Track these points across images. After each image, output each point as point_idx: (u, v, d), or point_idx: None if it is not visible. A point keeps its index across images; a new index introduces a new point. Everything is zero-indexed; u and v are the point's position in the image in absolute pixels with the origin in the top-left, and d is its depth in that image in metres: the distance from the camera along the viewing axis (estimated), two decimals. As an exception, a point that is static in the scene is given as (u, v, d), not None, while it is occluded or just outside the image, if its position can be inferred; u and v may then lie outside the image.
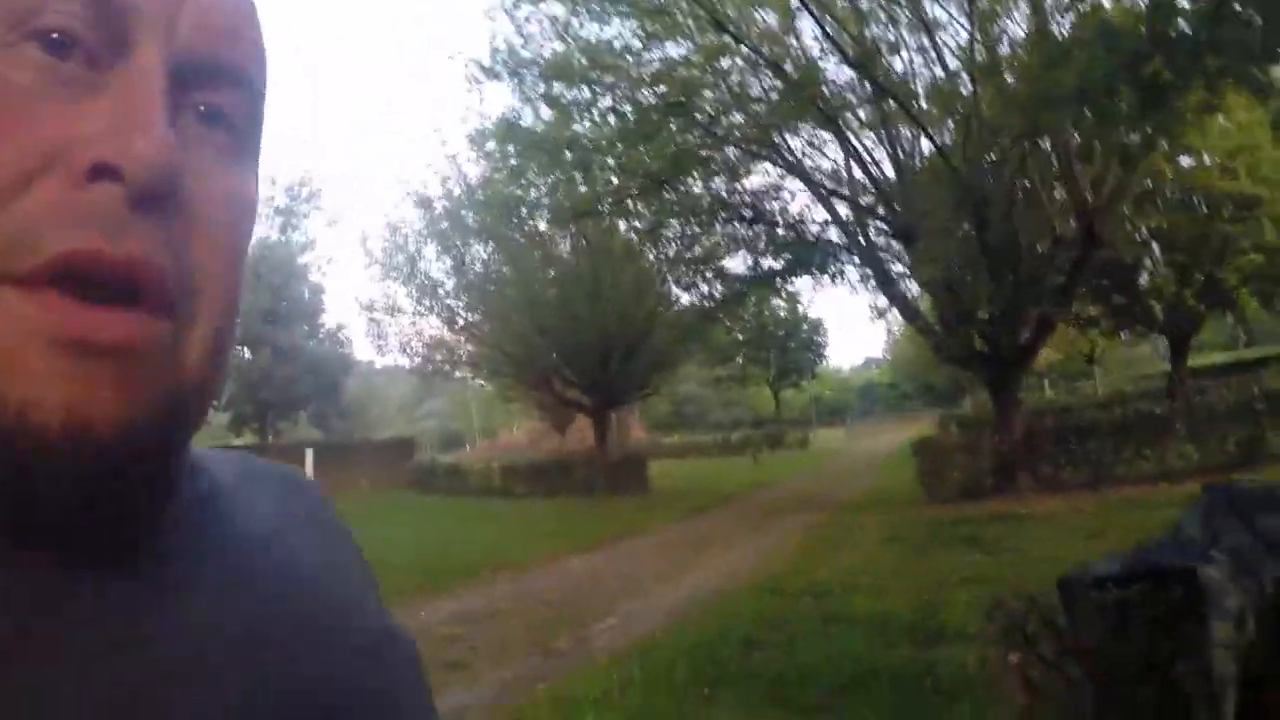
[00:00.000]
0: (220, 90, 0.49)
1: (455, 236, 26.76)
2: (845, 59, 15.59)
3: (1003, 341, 16.36)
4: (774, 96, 17.31)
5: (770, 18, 17.04)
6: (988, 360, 16.74)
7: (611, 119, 17.56)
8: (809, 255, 19.07)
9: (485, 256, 27.21)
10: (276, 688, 0.50)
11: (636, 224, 21.09)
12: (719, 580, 11.40)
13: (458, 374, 31.49)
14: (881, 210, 17.67)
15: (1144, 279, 24.48)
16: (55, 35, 0.44)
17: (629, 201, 18.90)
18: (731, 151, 19.05)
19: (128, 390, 0.42)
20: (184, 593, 0.50)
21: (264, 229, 33.09)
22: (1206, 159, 20.46)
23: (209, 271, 0.47)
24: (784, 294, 24.27)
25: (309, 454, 23.53)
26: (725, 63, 17.01)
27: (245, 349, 32.14)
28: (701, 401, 67.71)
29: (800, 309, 34.40)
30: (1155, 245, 23.32)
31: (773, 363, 40.29)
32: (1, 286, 0.41)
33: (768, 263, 20.43)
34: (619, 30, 17.84)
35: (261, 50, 0.53)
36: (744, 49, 16.31)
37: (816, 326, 46.59)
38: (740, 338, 33.87)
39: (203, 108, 0.48)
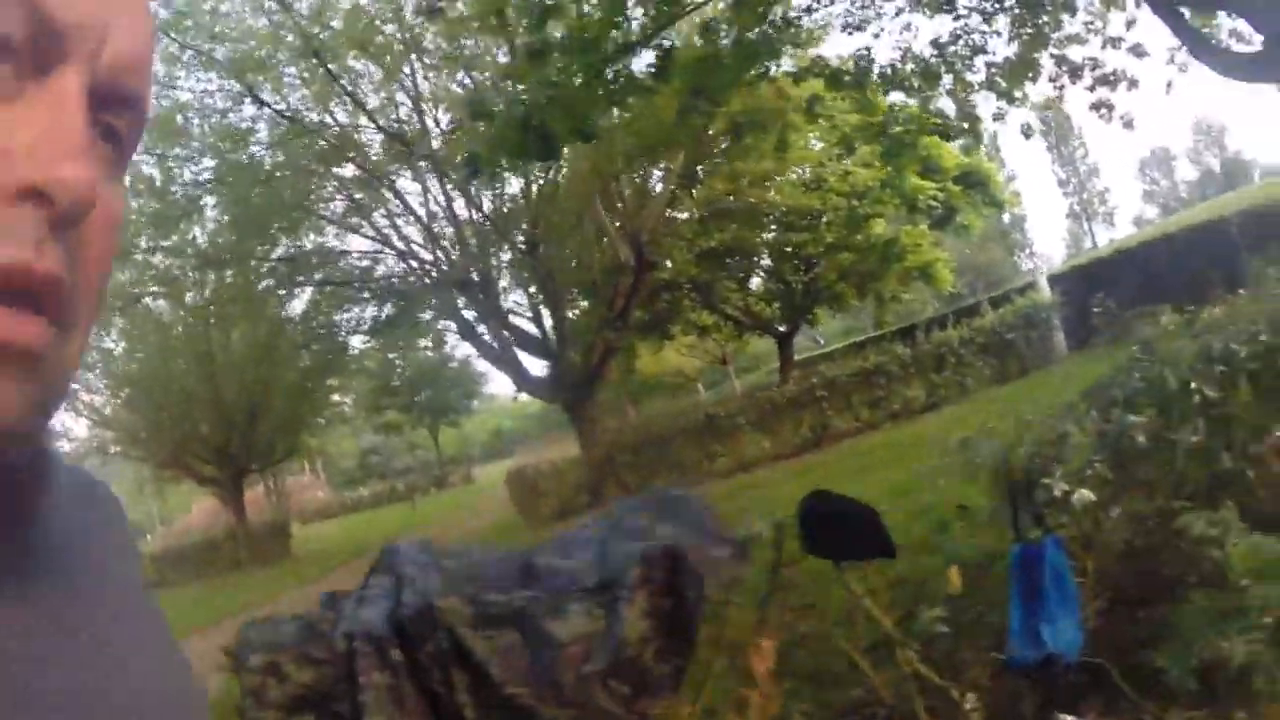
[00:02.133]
0: (120, 114, 0.51)
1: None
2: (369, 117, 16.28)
3: (570, 368, 17.51)
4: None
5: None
6: (561, 387, 17.84)
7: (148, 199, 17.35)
8: (405, 310, 19.64)
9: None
10: (92, 688, 0.51)
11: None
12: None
13: (90, 462, 29.58)
14: (443, 262, 18.42)
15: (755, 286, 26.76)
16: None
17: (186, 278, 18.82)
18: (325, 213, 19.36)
19: (25, 387, 0.45)
20: (42, 580, 0.52)
21: None
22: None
23: (88, 287, 0.49)
24: (398, 343, 24.54)
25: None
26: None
27: None
28: (384, 450, 66.90)
29: (447, 348, 34.80)
30: (762, 258, 25.71)
31: (424, 405, 40.51)
32: None
33: (371, 314, 20.89)
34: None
35: (151, 77, 0.55)
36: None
37: (465, 363, 47.39)
38: (394, 384, 33.88)
39: (108, 127, 0.50)
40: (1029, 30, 11.11)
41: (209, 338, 23.68)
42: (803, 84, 12.46)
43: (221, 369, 23.88)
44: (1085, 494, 3.50)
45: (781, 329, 27.77)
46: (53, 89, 0.45)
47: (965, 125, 12.39)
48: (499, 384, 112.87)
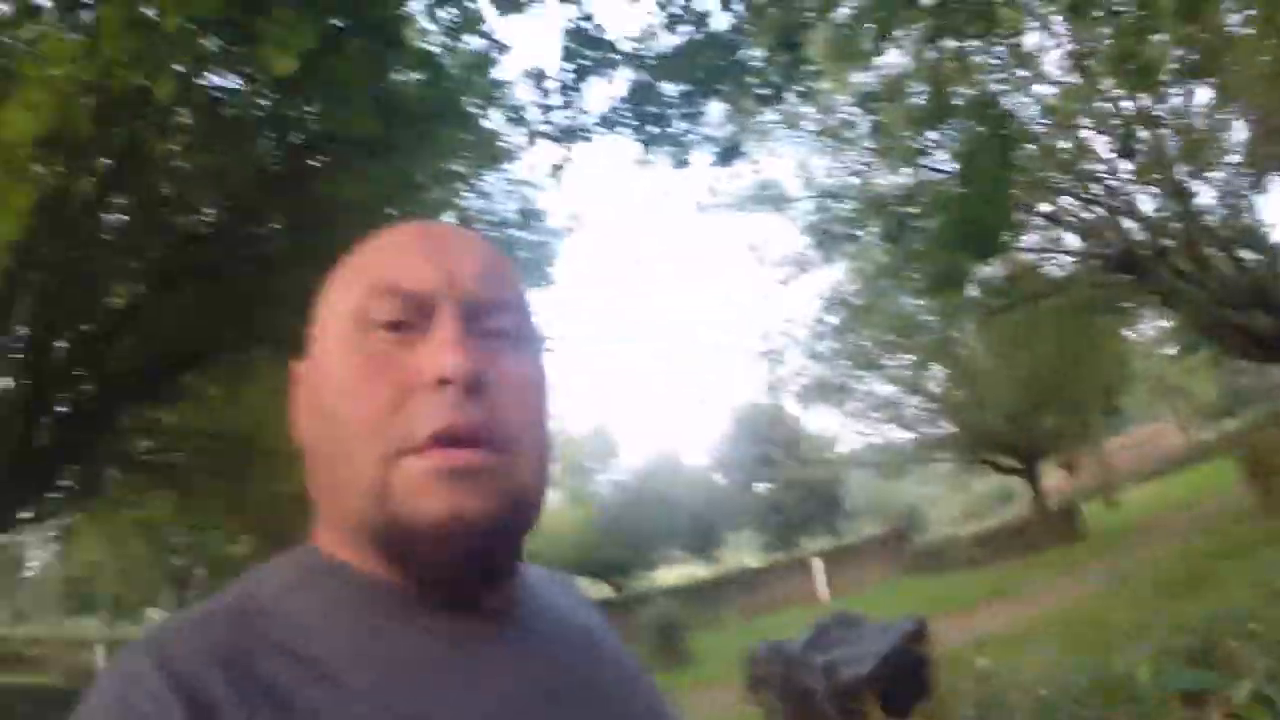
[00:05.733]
0: (495, 316, 0.80)
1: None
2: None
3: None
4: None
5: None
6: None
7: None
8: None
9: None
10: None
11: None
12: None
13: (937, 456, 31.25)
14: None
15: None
16: (391, 322, 0.77)
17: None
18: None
19: (483, 495, 0.73)
20: (516, 637, 0.80)
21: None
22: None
23: (519, 423, 0.77)
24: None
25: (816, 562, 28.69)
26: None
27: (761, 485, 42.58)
28: (1257, 371, 59.57)
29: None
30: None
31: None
32: (405, 457, 0.73)
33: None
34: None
35: (515, 282, 0.86)
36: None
37: None
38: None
39: (488, 328, 0.79)
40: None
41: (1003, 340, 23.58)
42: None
43: (1019, 371, 24.30)
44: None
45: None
46: (435, 323, 0.77)
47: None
48: None
